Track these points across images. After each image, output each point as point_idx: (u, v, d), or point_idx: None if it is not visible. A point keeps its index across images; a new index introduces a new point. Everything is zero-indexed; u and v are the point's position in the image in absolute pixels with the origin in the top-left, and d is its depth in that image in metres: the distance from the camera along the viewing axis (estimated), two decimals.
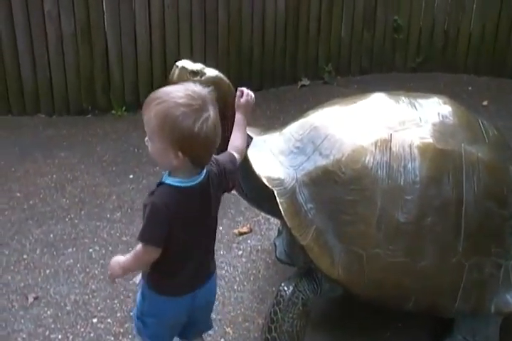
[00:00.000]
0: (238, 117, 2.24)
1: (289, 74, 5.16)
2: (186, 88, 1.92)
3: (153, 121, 1.88)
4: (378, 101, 2.58)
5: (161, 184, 1.98)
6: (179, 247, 2.00)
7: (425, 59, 5.41)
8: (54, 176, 3.94)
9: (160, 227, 1.94)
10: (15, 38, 4.48)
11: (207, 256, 2.12)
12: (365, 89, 4.83)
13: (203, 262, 2.10)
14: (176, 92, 1.89)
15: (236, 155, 2.15)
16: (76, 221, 3.51)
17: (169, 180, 1.97)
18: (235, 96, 2.27)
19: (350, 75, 5.36)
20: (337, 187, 2.35)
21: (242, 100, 2.24)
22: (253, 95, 2.27)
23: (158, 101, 1.88)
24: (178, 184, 1.95)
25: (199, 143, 1.88)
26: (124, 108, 4.70)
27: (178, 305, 2.11)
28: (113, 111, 4.70)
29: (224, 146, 2.16)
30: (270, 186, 2.39)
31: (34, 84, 4.61)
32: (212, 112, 1.90)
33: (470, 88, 5.24)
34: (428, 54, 5.41)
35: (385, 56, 5.40)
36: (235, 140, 2.20)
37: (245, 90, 2.26)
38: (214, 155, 2.04)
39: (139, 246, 1.99)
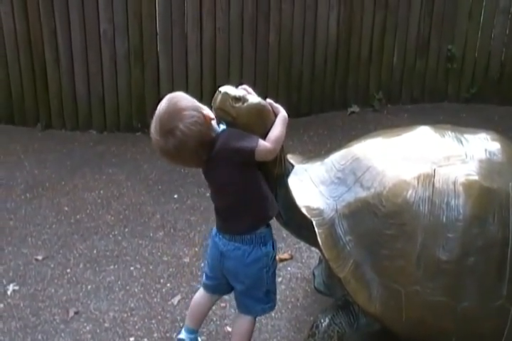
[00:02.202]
0: (278, 115, 2.40)
1: (338, 100, 5.14)
2: (154, 127, 2.27)
3: None
4: (423, 134, 2.55)
5: None
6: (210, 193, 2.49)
7: (479, 90, 5.30)
8: (101, 192, 4.03)
9: None
10: (72, 56, 4.62)
11: (222, 212, 2.44)
12: (416, 119, 4.82)
13: (220, 217, 2.45)
14: (152, 127, 2.29)
15: (264, 142, 2.31)
16: (119, 238, 3.57)
17: None
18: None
19: (401, 104, 5.29)
20: (377, 220, 2.33)
21: (275, 105, 2.42)
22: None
23: None
24: None
25: (177, 163, 2.45)
26: None
27: (214, 244, 2.48)
28: None
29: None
30: (309, 216, 2.38)
31: (87, 101, 4.74)
32: (171, 142, 2.24)
33: None
34: (482, 85, 5.29)
35: (437, 85, 5.31)
36: (270, 132, 2.36)
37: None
38: (228, 136, 2.31)
39: None
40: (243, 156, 2.27)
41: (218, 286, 2.57)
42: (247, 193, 2.36)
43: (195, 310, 2.64)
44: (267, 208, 2.41)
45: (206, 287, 2.61)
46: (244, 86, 2.40)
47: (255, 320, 2.57)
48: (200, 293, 2.64)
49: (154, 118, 2.28)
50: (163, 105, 2.28)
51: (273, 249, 2.45)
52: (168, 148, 2.26)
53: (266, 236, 2.43)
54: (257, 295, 2.46)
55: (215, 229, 2.50)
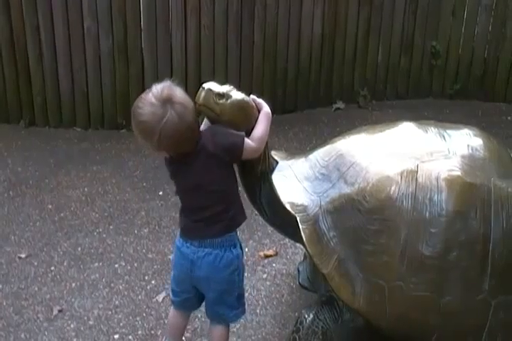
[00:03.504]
0: (261, 112, 2.38)
1: (323, 97, 5.15)
2: (150, 101, 2.17)
3: (136, 135, 2.26)
4: (406, 130, 2.55)
5: None
6: (177, 194, 2.40)
7: (463, 86, 5.34)
8: (85, 189, 4.01)
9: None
10: (55, 52, 4.59)
11: (195, 214, 2.34)
12: (400, 115, 4.83)
13: (191, 220, 2.35)
14: (139, 109, 2.19)
15: (249, 141, 2.30)
16: (104, 235, 3.56)
17: None
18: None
19: (386, 100, 5.32)
20: (360, 216, 2.33)
21: (258, 101, 2.40)
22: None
23: (132, 119, 2.24)
24: None
25: (171, 143, 2.21)
26: None
27: (181, 255, 2.38)
28: None
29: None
30: (293, 212, 2.38)
31: (71, 98, 4.71)
32: (171, 114, 2.15)
33: (509, 118, 5.14)
34: (466, 81, 5.34)
35: (421, 82, 5.35)
36: (254, 130, 2.35)
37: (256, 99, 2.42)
38: (215, 132, 2.28)
39: None
40: (230, 154, 2.26)
41: (188, 301, 2.50)
42: (226, 193, 2.33)
43: (174, 329, 2.59)
44: (241, 211, 2.39)
45: (177, 304, 2.54)
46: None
47: (229, 326, 2.54)
48: (173, 313, 2.57)
49: (144, 98, 2.19)
50: (152, 88, 2.21)
51: (241, 251, 2.42)
52: (171, 116, 2.15)
53: (235, 239, 2.39)
54: (229, 301, 2.42)
55: (179, 240, 2.40)
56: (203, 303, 2.52)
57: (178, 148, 2.25)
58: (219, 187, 2.30)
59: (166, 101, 2.16)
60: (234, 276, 2.39)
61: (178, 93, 2.21)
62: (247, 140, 2.28)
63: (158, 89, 2.20)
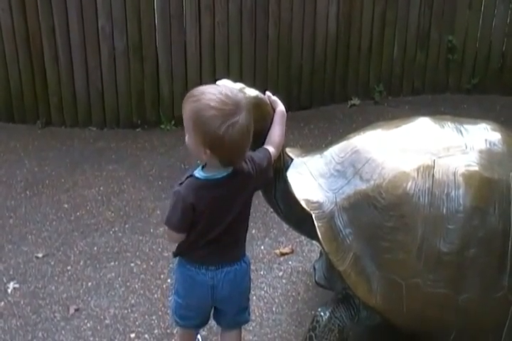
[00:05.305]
0: (277, 112, 2.35)
1: (338, 93, 5.11)
2: (221, 91, 2.05)
3: (187, 118, 2.07)
4: (423, 125, 2.51)
5: (190, 176, 2.16)
6: (201, 233, 2.17)
7: (481, 80, 5.26)
8: (101, 188, 4.01)
9: (179, 216, 2.13)
10: (70, 52, 4.60)
11: (230, 242, 2.23)
12: (417, 110, 4.79)
13: (224, 245, 2.22)
14: (211, 94, 2.03)
15: (272, 149, 2.29)
16: (120, 234, 3.56)
17: (197, 173, 2.15)
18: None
19: (402, 96, 5.26)
20: (376, 212, 2.30)
21: (273, 98, 2.35)
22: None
23: (193, 99, 2.06)
24: (204, 177, 2.13)
25: (225, 146, 2.03)
26: (172, 122, 4.74)
27: (198, 284, 2.25)
28: (162, 126, 4.76)
29: (262, 142, 2.32)
30: (308, 209, 2.36)
31: (87, 97, 4.72)
32: (242, 117, 2.04)
33: None
34: (484, 75, 5.26)
35: (438, 77, 5.27)
36: (272, 134, 2.33)
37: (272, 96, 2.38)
38: (250, 152, 2.19)
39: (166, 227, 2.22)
40: (267, 174, 2.27)
41: (203, 321, 2.44)
42: (249, 212, 2.29)
43: None
44: None
45: (190, 326, 2.47)
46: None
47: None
48: (184, 334, 2.52)
49: (217, 91, 2.04)
50: (219, 85, 2.12)
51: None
52: (244, 123, 2.05)
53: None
54: (245, 304, 2.41)
55: (188, 269, 2.27)
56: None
57: (234, 155, 2.10)
58: (249, 208, 2.28)
59: (238, 102, 2.06)
60: (249, 282, 2.39)
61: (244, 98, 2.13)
62: (270, 150, 2.29)
63: (230, 88, 2.11)
